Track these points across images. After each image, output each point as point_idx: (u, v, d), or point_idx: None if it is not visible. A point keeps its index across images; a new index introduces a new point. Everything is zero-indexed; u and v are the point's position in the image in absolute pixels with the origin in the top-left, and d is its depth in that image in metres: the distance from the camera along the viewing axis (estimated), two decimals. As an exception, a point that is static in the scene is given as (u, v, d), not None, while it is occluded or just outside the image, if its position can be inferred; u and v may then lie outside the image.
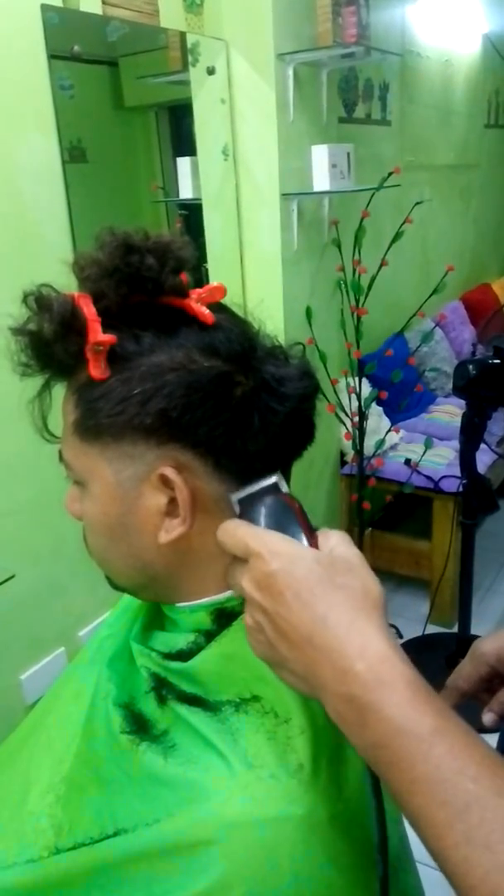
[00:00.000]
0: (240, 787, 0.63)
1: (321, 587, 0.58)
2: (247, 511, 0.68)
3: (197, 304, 0.67)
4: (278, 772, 0.63)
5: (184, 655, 0.73)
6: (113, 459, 0.68)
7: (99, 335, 0.63)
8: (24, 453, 1.83)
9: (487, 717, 0.86)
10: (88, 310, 0.63)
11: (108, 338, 0.63)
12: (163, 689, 0.72)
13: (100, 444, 0.68)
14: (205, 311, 0.67)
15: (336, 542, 0.63)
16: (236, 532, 0.64)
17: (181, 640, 0.74)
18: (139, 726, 0.72)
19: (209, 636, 0.72)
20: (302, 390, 0.70)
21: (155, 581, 0.75)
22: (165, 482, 0.67)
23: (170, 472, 0.66)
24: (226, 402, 0.65)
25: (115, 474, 0.69)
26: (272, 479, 0.68)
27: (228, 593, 0.73)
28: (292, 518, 0.66)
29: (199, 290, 0.68)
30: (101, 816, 0.69)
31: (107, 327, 0.64)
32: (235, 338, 0.68)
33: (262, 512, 0.67)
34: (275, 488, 0.68)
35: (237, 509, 0.68)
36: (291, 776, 0.63)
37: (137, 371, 0.65)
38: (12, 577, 1.84)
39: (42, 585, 2.08)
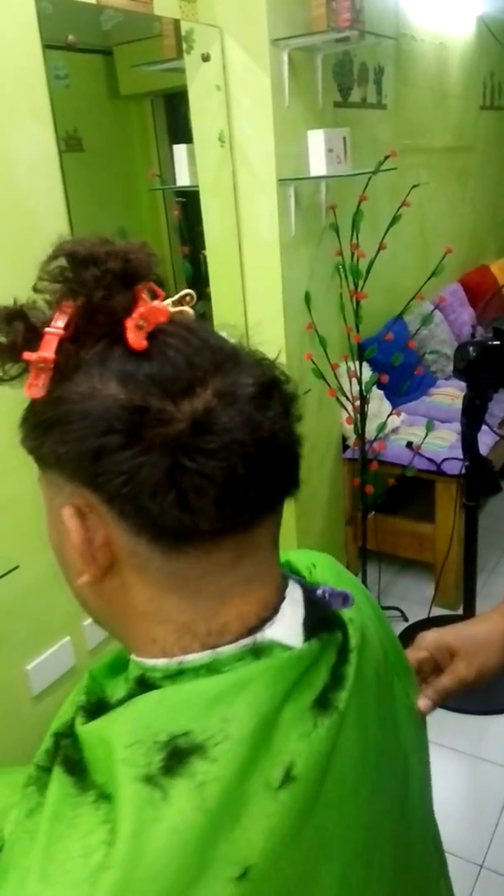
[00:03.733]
0: None
1: None
2: None
3: (137, 324, 0.57)
4: None
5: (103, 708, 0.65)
6: (48, 484, 0.63)
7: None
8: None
9: (423, 703, 0.83)
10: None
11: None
12: (64, 739, 0.64)
13: (38, 464, 0.64)
14: (135, 335, 0.57)
15: None
16: None
17: (121, 689, 0.66)
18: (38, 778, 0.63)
19: (122, 701, 0.63)
20: (231, 455, 0.57)
21: (97, 621, 0.69)
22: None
23: (66, 514, 0.60)
24: (126, 444, 0.56)
25: (49, 500, 0.64)
26: None
27: (155, 662, 0.63)
28: None
29: (142, 310, 0.58)
30: None
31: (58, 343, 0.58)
32: (172, 369, 0.57)
33: None
34: None
35: None
36: None
37: (51, 395, 0.58)
38: (16, 567, 1.84)
39: (46, 575, 2.08)
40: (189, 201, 2.60)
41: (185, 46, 2.38)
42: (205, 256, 2.65)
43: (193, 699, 0.58)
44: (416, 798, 0.76)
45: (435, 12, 4.01)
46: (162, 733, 0.56)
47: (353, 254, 2.68)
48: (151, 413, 0.55)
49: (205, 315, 2.69)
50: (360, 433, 2.87)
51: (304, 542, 2.98)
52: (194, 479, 0.56)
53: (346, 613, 0.69)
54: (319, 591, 0.68)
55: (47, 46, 1.87)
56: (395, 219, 2.71)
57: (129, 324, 0.57)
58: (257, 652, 0.61)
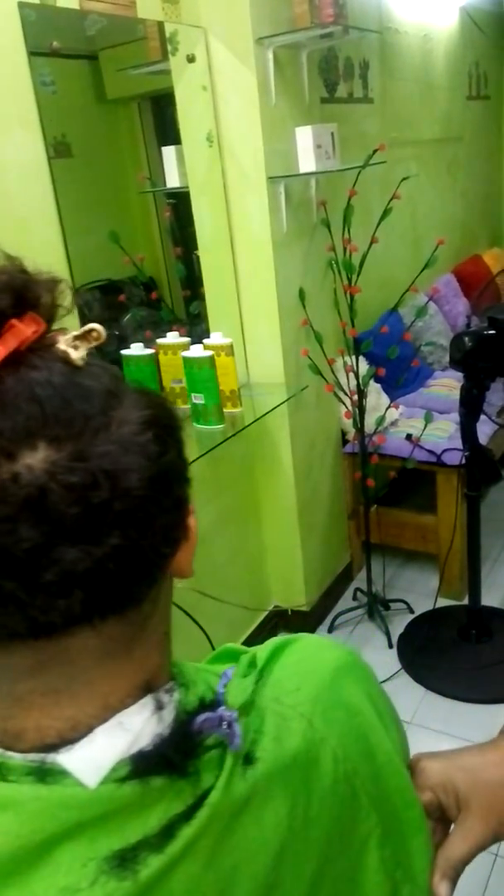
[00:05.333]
0: None
1: None
2: None
3: None
4: None
5: None
6: None
7: None
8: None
9: (442, 889, 0.67)
10: None
11: None
12: None
13: None
14: None
15: None
16: None
17: None
18: None
19: None
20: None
21: None
22: None
23: None
24: None
25: None
26: None
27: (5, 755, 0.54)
28: None
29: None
30: None
31: None
32: (8, 423, 0.47)
33: None
34: None
35: None
36: None
37: None
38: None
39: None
40: (180, 202, 2.61)
41: (169, 48, 2.38)
42: (198, 257, 2.65)
43: None
44: None
45: (418, 4, 4.00)
46: None
47: (345, 249, 2.68)
48: None
49: (199, 316, 2.69)
50: (360, 427, 2.88)
51: (308, 538, 2.98)
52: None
53: (257, 752, 0.58)
54: (201, 719, 0.55)
55: (32, 53, 1.88)
56: (386, 212, 2.71)
57: None
58: (42, 774, 0.50)
